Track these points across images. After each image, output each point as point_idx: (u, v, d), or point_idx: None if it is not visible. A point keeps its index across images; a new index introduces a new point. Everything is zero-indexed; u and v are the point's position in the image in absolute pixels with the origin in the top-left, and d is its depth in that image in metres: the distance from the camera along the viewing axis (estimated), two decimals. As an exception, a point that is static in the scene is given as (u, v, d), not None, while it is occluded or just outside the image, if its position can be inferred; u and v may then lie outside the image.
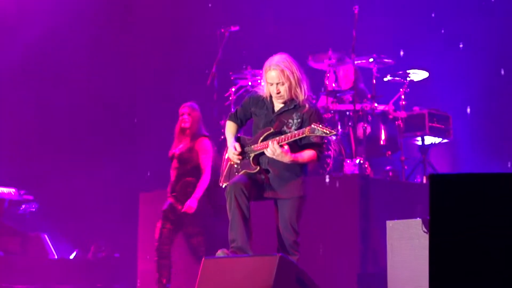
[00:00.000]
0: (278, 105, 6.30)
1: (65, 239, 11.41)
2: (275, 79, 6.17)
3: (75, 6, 11.96)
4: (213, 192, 8.34)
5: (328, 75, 9.69)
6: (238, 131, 6.56)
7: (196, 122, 8.49)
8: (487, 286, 3.15)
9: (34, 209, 11.11)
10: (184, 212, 8.28)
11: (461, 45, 11.15)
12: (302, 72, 6.28)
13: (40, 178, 11.80)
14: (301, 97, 6.20)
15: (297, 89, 6.18)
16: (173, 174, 8.51)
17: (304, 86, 6.21)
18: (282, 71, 6.15)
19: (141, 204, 9.70)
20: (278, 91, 6.18)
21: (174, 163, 8.48)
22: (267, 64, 6.24)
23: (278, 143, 6.05)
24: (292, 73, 6.16)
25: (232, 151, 6.35)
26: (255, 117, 6.41)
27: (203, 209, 8.34)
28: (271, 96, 6.32)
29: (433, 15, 11.38)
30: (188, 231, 8.48)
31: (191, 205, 8.27)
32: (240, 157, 6.32)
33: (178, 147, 8.49)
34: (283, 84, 6.17)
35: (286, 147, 6.05)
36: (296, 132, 6.07)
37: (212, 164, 8.37)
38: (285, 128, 6.19)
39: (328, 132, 5.92)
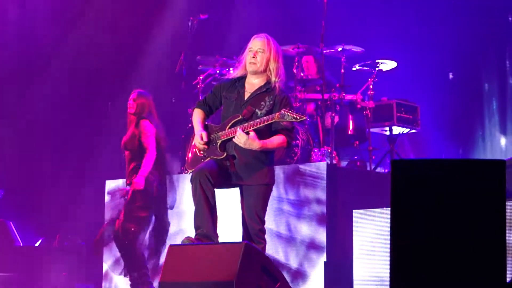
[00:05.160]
0: (250, 87, 6.28)
1: (31, 227, 11.32)
2: (258, 45, 6.25)
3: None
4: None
5: (296, 64, 9.69)
6: (206, 118, 6.51)
7: (141, 108, 8.40)
8: (448, 271, 3.14)
9: (-1, 197, 11.01)
10: (133, 193, 8.23)
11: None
12: (282, 59, 6.36)
13: (6, 165, 11.70)
14: (274, 77, 6.23)
15: (273, 65, 6.23)
16: (126, 162, 8.50)
17: (280, 69, 6.26)
18: (268, 41, 6.26)
19: (107, 192, 9.63)
20: (255, 56, 6.20)
21: (125, 152, 8.47)
22: (255, 35, 6.36)
23: (244, 130, 6.03)
24: (276, 49, 6.28)
25: (198, 140, 6.31)
26: (226, 101, 6.37)
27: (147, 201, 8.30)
28: (244, 78, 6.30)
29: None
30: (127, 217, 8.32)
31: (138, 181, 8.22)
32: (206, 146, 6.28)
33: (127, 133, 8.48)
34: (263, 51, 6.22)
35: (252, 133, 6.02)
36: (265, 117, 6.06)
37: (155, 144, 8.32)
38: (257, 110, 6.17)
39: (297, 117, 5.92)
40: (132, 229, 8.23)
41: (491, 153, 10.97)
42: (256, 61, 6.23)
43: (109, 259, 9.32)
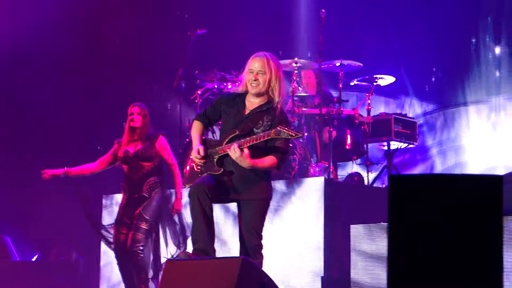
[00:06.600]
0: (250, 104, 6.24)
1: (27, 242, 11.28)
2: (258, 67, 6.14)
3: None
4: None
5: (294, 79, 9.69)
6: (204, 132, 6.49)
7: (145, 121, 8.40)
8: (444, 287, 3.13)
9: (-5, 212, 10.99)
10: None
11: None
12: (284, 76, 6.31)
13: (1, 180, 11.66)
14: (277, 97, 6.17)
15: (275, 85, 6.15)
16: (131, 174, 8.33)
17: (282, 88, 6.20)
18: (268, 61, 6.14)
19: (104, 207, 9.62)
20: (256, 78, 6.14)
21: (132, 162, 8.31)
22: (254, 55, 6.25)
23: (240, 146, 6.01)
24: (277, 68, 6.18)
25: (195, 154, 6.29)
26: (225, 115, 6.33)
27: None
28: (245, 95, 6.26)
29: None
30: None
31: (178, 208, 8.24)
32: (203, 160, 6.26)
33: (133, 147, 8.35)
34: (264, 73, 6.14)
35: (246, 151, 5.99)
36: (261, 134, 6.03)
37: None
38: (254, 129, 6.14)
39: (293, 134, 5.91)
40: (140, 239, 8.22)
41: (485, 63, 11.01)
42: (258, 83, 6.16)
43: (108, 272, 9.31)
